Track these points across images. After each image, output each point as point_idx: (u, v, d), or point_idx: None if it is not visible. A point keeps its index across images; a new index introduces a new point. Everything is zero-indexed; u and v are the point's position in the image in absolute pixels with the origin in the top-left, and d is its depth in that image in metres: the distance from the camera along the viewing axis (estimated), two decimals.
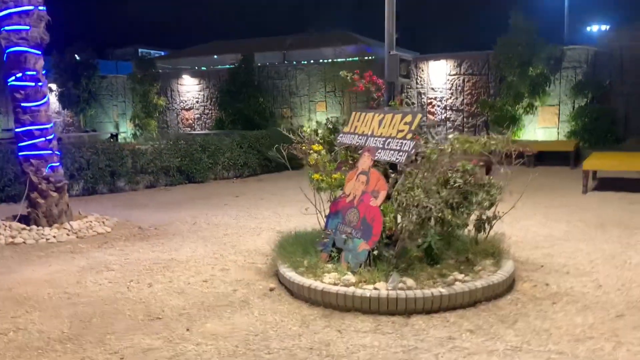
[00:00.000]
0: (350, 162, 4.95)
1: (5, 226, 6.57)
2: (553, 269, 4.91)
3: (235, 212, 8.21)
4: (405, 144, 4.26)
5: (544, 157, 12.66)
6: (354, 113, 5.03)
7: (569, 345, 3.37)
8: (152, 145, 11.22)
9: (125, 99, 22.60)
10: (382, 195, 4.33)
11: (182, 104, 21.34)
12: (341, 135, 5.09)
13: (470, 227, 4.70)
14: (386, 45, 5.11)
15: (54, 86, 22.60)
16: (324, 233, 4.90)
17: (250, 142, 12.49)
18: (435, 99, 16.41)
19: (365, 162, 4.58)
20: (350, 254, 4.47)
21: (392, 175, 4.49)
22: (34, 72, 6.58)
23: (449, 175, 4.41)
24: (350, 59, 17.12)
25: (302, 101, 18.71)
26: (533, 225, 6.72)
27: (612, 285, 4.43)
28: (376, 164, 4.58)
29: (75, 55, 22.42)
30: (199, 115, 21.01)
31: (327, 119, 15.73)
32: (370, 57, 17.26)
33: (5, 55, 6.49)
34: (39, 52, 6.66)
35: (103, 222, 7.02)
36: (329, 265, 4.57)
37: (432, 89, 16.43)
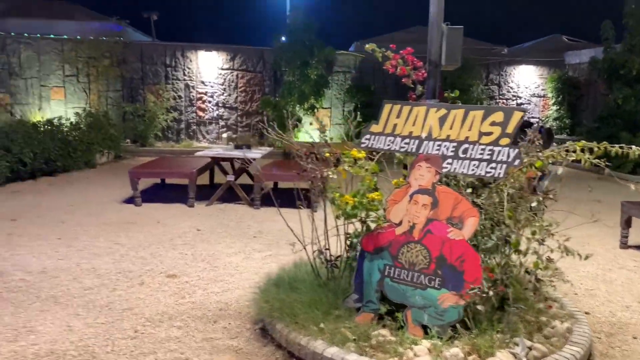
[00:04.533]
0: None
1: None
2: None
3: (49, 248, 5.41)
4: (500, 151, 3.14)
5: None
6: (387, 105, 3.59)
7: None
8: None
9: None
10: (472, 223, 3.12)
11: None
12: (368, 136, 3.56)
13: None
14: (432, 16, 3.80)
15: None
16: (355, 282, 3.37)
17: None
18: (205, 93, 14.88)
19: (424, 176, 3.26)
20: (426, 313, 3.11)
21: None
22: None
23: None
24: (104, 38, 14.06)
25: (28, 85, 14.56)
26: None
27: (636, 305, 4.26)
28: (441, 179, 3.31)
29: None
30: None
31: (79, 113, 12.49)
32: (120, 38, 14.60)
33: None
34: None
35: None
36: (385, 332, 3.11)
37: (202, 82, 14.85)
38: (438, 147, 3.31)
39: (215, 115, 14.94)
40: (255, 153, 8.09)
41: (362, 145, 3.53)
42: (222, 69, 14.85)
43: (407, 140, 3.40)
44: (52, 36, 14.38)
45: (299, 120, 14.14)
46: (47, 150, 9.64)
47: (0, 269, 4.67)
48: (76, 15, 14.97)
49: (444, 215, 3.19)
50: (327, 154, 3.38)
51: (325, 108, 14.86)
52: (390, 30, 21.57)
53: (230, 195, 7.92)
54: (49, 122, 10.30)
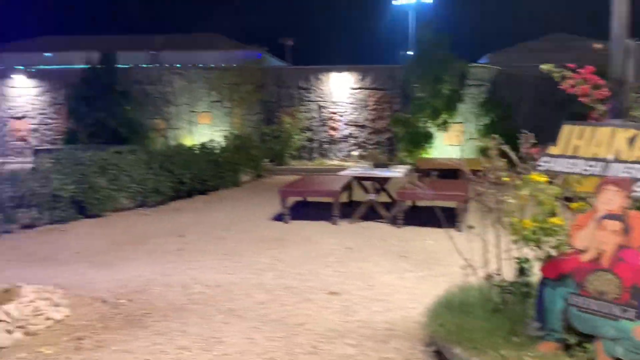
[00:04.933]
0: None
1: None
2: None
3: (217, 263, 5.91)
4: None
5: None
6: (566, 127, 3.48)
7: None
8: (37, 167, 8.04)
9: None
10: None
11: (10, 111, 16.93)
12: (546, 159, 3.48)
13: None
14: (615, 30, 3.66)
15: None
16: (535, 310, 3.28)
17: (160, 161, 9.84)
18: (336, 113, 15.34)
19: (612, 200, 3.09)
20: (620, 346, 2.93)
21: None
22: None
23: None
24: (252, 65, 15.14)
25: (180, 111, 16.09)
26: None
27: None
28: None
29: None
30: (35, 126, 16.87)
31: (227, 136, 13.50)
32: (258, 65, 15.55)
33: None
34: None
35: (51, 300, 4.26)
36: None
37: (334, 102, 15.34)
38: (627, 170, 3.12)
39: (346, 133, 15.32)
40: (396, 172, 8.17)
41: (541, 168, 3.43)
42: (353, 89, 15.23)
43: (591, 163, 3.25)
44: (200, 66, 15.78)
45: (430, 136, 14.04)
46: (202, 171, 10.55)
47: (181, 282, 5.19)
48: (221, 46, 16.30)
49: (639, 243, 2.99)
50: (506, 178, 3.34)
51: (458, 123, 14.57)
52: (521, 40, 20.75)
53: (370, 213, 8.06)
54: (203, 145, 11.27)
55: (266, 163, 14.69)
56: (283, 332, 3.95)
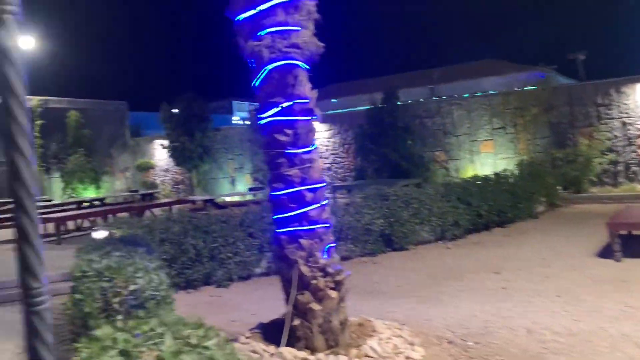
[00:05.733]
0: None
1: (270, 354, 3.92)
2: None
3: (554, 306, 5.27)
4: None
5: None
6: None
7: None
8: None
9: (242, 151, 20.68)
10: None
11: None
12: None
13: None
14: None
15: (165, 142, 21.37)
16: None
17: (457, 193, 9.68)
18: None
19: None
20: None
21: None
22: (306, 101, 4.09)
23: None
24: (528, 88, 14.19)
25: (460, 142, 15.89)
26: None
27: None
28: None
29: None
30: (328, 165, 18.64)
31: (519, 164, 12.70)
32: (544, 86, 14.31)
33: (262, 74, 4.04)
34: (309, 68, 4.20)
35: (404, 338, 4.28)
36: None
37: None
38: None
39: None
40: None
41: None
42: None
43: None
44: (479, 94, 15.41)
45: None
46: (498, 202, 10.01)
47: (524, 326, 4.73)
48: (500, 70, 15.67)
49: None
50: None
51: None
52: None
53: None
54: (497, 175, 10.76)
55: (559, 190, 13.32)
56: None
